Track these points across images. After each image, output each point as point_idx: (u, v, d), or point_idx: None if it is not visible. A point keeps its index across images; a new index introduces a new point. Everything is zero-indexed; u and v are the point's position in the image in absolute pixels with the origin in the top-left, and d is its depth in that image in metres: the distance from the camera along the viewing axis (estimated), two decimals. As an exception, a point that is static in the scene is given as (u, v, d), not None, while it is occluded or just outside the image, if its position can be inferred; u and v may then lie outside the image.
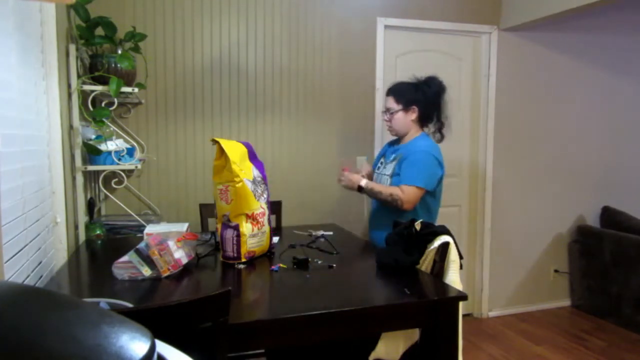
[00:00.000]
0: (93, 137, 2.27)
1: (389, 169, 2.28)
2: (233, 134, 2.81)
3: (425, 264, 1.68)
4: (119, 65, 2.16)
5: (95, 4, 2.41)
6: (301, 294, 1.47)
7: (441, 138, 2.39)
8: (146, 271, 1.56)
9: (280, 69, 2.88)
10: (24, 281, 1.43)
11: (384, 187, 2.20)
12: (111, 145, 2.21)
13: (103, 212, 2.60)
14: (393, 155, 2.31)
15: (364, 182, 2.23)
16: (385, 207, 2.22)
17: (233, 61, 2.79)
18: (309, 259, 1.77)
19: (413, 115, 2.30)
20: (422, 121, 2.34)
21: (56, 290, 1.46)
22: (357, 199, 3.11)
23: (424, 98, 2.31)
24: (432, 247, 1.65)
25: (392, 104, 2.32)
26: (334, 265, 1.74)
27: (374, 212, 2.39)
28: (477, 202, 3.44)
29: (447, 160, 3.35)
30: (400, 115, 2.31)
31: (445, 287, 1.53)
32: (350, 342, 1.77)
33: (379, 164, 2.44)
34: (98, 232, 2.24)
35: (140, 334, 0.59)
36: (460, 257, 1.69)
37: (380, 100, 3.11)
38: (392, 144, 2.47)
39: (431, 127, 2.39)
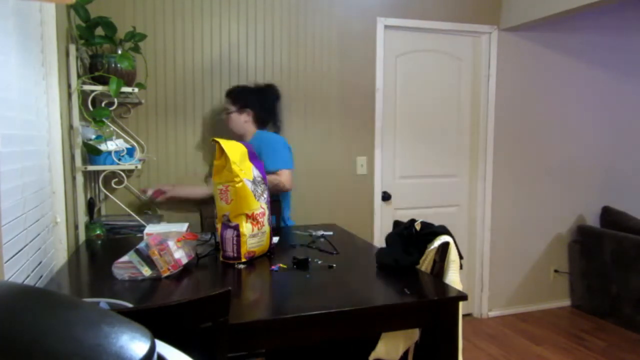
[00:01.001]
0: (93, 137, 2.26)
1: None
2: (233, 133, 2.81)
3: (425, 264, 1.68)
4: (119, 65, 2.16)
5: (95, 4, 2.41)
6: (301, 294, 1.47)
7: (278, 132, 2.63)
8: (146, 271, 1.56)
9: (280, 69, 2.88)
10: (24, 281, 1.43)
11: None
12: (111, 145, 2.21)
13: (103, 212, 2.60)
14: None
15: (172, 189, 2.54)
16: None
17: (233, 61, 2.79)
18: (309, 259, 1.77)
19: (247, 117, 2.50)
20: (258, 124, 2.54)
21: (56, 290, 1.46)
22: (357, 199, 3.11)
23: (259, 103, 2.52)
24: (432, 247, 1.65)
25: (228, 104, 2.51)
26: (334, 265, 1.74)
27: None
28: (477, 202, 3.44)
29: (447, 159, 3.37)
30: (234, 116, 2.50)
31: (445, 287, 1.53)
32: (350, 342, 1.77)
33: None
34: (98, 232, 2.24)
35: (140, 334, 0.59)
36: (460, 257, 1.69)
37: (381, 100, 3.11)
38: None
39: (269, 129, 2.62)
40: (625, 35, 3.68)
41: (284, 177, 2.39)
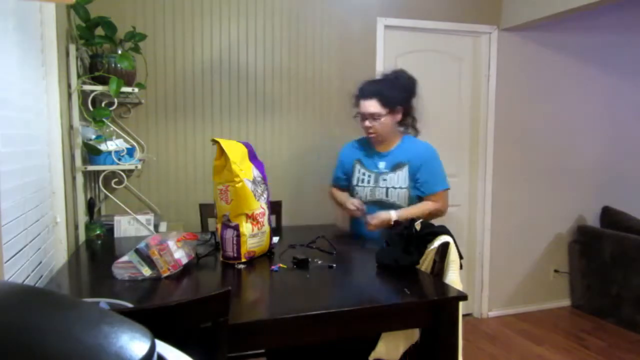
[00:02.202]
0: (93, 137, 2.26)
1: (396, 180, 2.12)
2: (233, 134, 2.81)
3: (425, 264, 1.68)
4: (119, 65, 2.16)
5: (95, 4, 2.41)
6: (301, 294, 1.47)
7: (416, 134, 2.26)
8: (146, 271, 1.56)
9: (280, 69, 2.88)
10: (24, 281, 1.43)
11: (414, 208, 2.05)
12: (111, 145, 2.21)
13: (103, 212, 2.60)
14: (386, 164, 2.16)
15: (395, 215, 2.03)
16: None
17: (233, 61, 2.79)
18: (309, 259, 1.77)
19: (398, 116, 2.14)
20: (401, 122, 2.20)
21: (56, 290, 1.46)
22: (357, 199, 3.11)
23: (407, 97, 2.13)
24: (432, 247, 1.65)
25: (377, 108, 2.09)
26: (334, 265, 1.74)
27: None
28: (477, 202, 3.44)
29: (447, 160, 3.36)
30: (387, 120, 2.11)
31: (445, 287, 1.53)
32: (350, 342, 1.77)
33: (361, 176, 2.22)
34: (98, 232, 2.24)
35: (140, 334, 0.59)
36: (460, 257, 1.69)
37: (380, 100, 3.10)
38: (364, 150, 2.27)
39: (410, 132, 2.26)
40: (625, 35, 3.68)
41: (441, 202, 2.07)
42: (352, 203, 2.14)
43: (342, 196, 2.32)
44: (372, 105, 2.10)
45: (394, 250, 1.72)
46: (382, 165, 2.17)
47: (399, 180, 2.12)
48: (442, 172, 2.14)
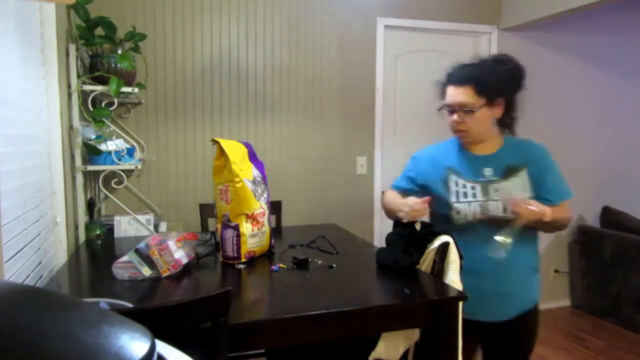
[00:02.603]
0: (93, 137, 2.26)
1: (514, 188, 1.63)
2: (233, 134, 2.81)
3: (425, 264, 1.68)
4: (119, 65, 2.16)
5: (95, 4, 2.41)
6: (301, 294, 1.47)
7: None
8: (146, 271, 1.56)
9: (280, 69, 2.88)
10: (24, 281, 1.43)
11: (556, 210, 1.59)
12: (111, 145, 2.21)
13: (103, 212, 2.60)
14: (494, 170, 1.67)
15: (549, 213, 1.54)
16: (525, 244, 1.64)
17: (233, 61, 2.79)
18: (309, 259, 1.77)
19: (499, 112, 1.65)
20: (502, 119, 1.71)
21: (56, 290, 1.46)
22: (357, 199, 3.11)
23: (512, 87, 1.66)
24: (432, 247, 1.65)
25: (470, 97, 1.59)
26: (334, 265, 1.74)
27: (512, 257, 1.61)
28: (477, 202, 3.43)
29: (447, 160, 3.36)
30: (484, 113, 1.61)
31: (445, 287, 1.53)
32: (350, 342, 1.77)
33: (460, 189, 1.67)
34: (98, 232, 2.24)
35: (140, 334, 0.59)
36: (461, 257, 1.69)
37: (381, 100, 3.11)
38: (457, 155, 1.75)
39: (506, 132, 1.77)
40: (625, 35, 3.68)
41: (569, 210, 1.66)
42: (407, 204, 1.61)
43: (398, 201, 1.73)
44: (464, 94, 1.62)
45: (394, 250, 1.72)
46: (488, 172, 1.66)
47: (518, 188, 1.63)
48: (562, 176, 1.74)
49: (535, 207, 1.52)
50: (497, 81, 1.62)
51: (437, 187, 1.72)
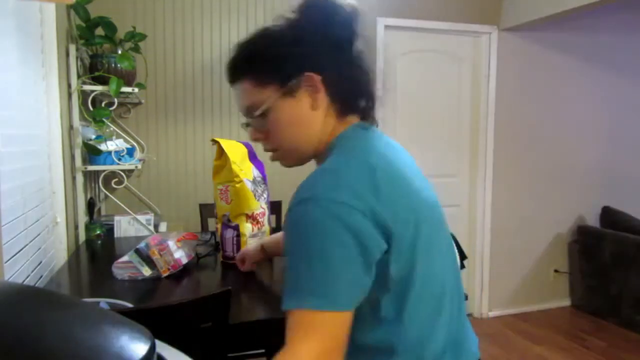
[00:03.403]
0: (93, 137, 2.26)
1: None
2: (233, 134, 2.81)
3: (425, 264, 1.67)
4: (119, 65, 2.16)
5: (95, 4, 2.41)
6: (301, 294, 1.46)
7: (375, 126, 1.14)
8: (146, 271, 1.56)
9: (280, 69, 2.88)
10: (24, 281, 1.43)
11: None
12: (111, 145, 2.21)
13: (103, 212, 2.60)
14: None
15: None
16: None
17: (233, 61, 2.79)
18: None
19: (313, 97, 0.89)
20: (341, 107, 0.93)
21: (56, 290, 1.46)
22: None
23: (332, 45, 0.94)
24: (432, 247, 1.64)
25: (251, 93, 0.91)
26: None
27: None
28: (477, 202, 3.44)
29: (447, 160, 3.37)
30: (280, 110, 0.90)
31: (445, 287, 1.52)
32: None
33: None
34: (98, 232, 2.24)
35: (140, 334, 0.59)
36: (464, 257, 1.68)
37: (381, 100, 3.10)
38: None
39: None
40: (625, 35, 3.68)
41: (292, 329, 0.98)
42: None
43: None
44: (242, 93, 1.03)
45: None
46: None
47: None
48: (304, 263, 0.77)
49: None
50: (281, 50, 0.91)
51: None
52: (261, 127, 0.93)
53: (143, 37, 2.34)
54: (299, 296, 0.72)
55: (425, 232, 0.80)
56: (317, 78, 0.87)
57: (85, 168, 2.18)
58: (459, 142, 3.38)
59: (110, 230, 2.30)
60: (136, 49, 2.35)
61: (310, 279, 0.72)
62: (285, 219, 0.85)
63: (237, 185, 1.72)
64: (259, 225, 1.80)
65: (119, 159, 2.22)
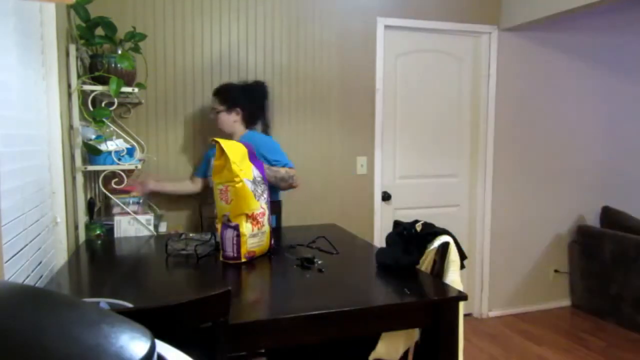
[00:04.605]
0: (93, 137, 2.26)
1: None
2: (233, 134, 2.81)
3: (425, 264, 1.68)
4: (119, 65, 2.16)
5: (95, 4, 2.41)
6: (301, 294, 1.47)
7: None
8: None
9: (280, 69, 2.88)
10: (24, 281, 1.43)
11: (273, 168, 2.35)
12: (111, 145, 2.21)
13: (103, 212, 2.60)
14: None
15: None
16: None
17: (233, 61, 2.79)
18: (315, 258, 1.77)
19: (236, 116, 2.46)
20: (248, 122, 2.50)
21: (56, 290, 1.46)
22: (357, 199, 3.11)
23: (248, 101, 2.47)
24: (432, 247, 1.65)
25: (216, 104, 2.45)
26: (324, 270, 1.74)
27: None
28: (477, 202, 3.44)
29: (447, 159, 3.37)
30: (223, 116, 2.45)
31: (445, 287, 1.53)
32: (350, 342, 1.77)
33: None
34: (98, 232, 2.24)
35: (140, 334, 0.59)
36: (464, 257, 1.69)
37: (381, 100, 3.11)
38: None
39: (258, 128, 2.57)
40: (625, 35, 3.68)
41: (294, 173, 2.39)
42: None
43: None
44: (214, 101, 2.48)
45: (394, 250, 1.72)
46: None
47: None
48: (284, 154, 2.44)
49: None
50: (232, 95, 2.46)
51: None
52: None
53: (143, 37, 2.34)
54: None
55: None
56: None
57: (85, 168, 2.18)
58: (459, 142, 3.38)
59: (110, 230, 2.30)
60: (136, 49, 2.35)
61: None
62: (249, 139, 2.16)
63: (237, 185, 1.72)
64: (259, 225, 1.80)
65: (119, 159, 2.22)
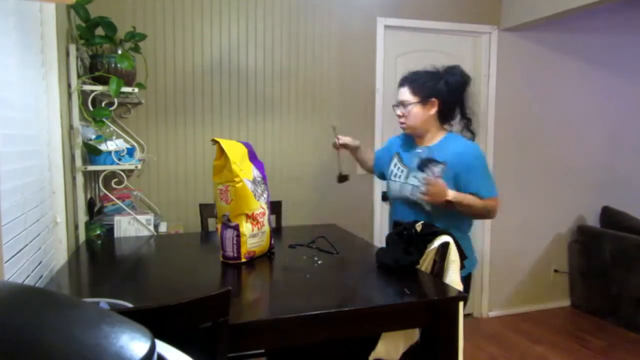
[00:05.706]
0: (93, 137, 2.26)
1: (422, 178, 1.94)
2: (233, 134, 2.82)
3: (425, 264, 1.68)
4: (119, 65, 2.16)
5: (95, 4, 2.41)
6: (301, 294, 1.47)
7: (472, 137, 2.04)
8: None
9: (280, 69, 2.88)
10: (24, 281, 1.43)
11: (471, 197, 1.89)
12: (111, 145, 2.21)
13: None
14: (419, 162, 2.00)
15: (452, 195, 1.85)
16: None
17: (233, 61, 2.79)
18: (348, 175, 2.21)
19: (432, 109, 1.97)
20: (443, 117, 2.01)
21: (56, 290, 1.46)
22: (357, 199, 3.11)
23: (447, 89, 1.96)
24: (432, 247, 1.65)
25: (407, 95, 1.98)
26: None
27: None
28: (477, 202, 3.43)
29: (447, 160, 3.36)
30: (417, 110, 1.97)
31: (445, 287, 1.53)
32: (350, 342, 1.77)
33: (395, 169, 2.09)
34: (98, 232, 2.24)
35: (140, 334, 0.59)
36: (464, 257, 1.68)
37: (381, 100, 3.11)
38: (405, 144, 2.13)
39: (455, 125, 2.06)
40: (625, 35, 3.68)
41: (490, 204, 1.93)
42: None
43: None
44: (403, 93, 2.00)
45: (394, 250, 1.72)
46: (417, 161, 2.00)
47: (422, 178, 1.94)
48: (490, 178, 1.96)
49: (436, 186, 1.83)
50: (432, 84, 1.97)
51: (385, 164, 2.19)
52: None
53: (143, 37, 2.34)
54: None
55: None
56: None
57: (85, 168, 2.18)
58: (459, 142, 3.38)
59: (110, 230, 2.30)
60: (136, 49, 2.35)
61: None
62: (458, 149, 1.93)
63: (237, 185, 1.72)
64: (259, 225, 1.80)
65: (119, 159, 2.22)
